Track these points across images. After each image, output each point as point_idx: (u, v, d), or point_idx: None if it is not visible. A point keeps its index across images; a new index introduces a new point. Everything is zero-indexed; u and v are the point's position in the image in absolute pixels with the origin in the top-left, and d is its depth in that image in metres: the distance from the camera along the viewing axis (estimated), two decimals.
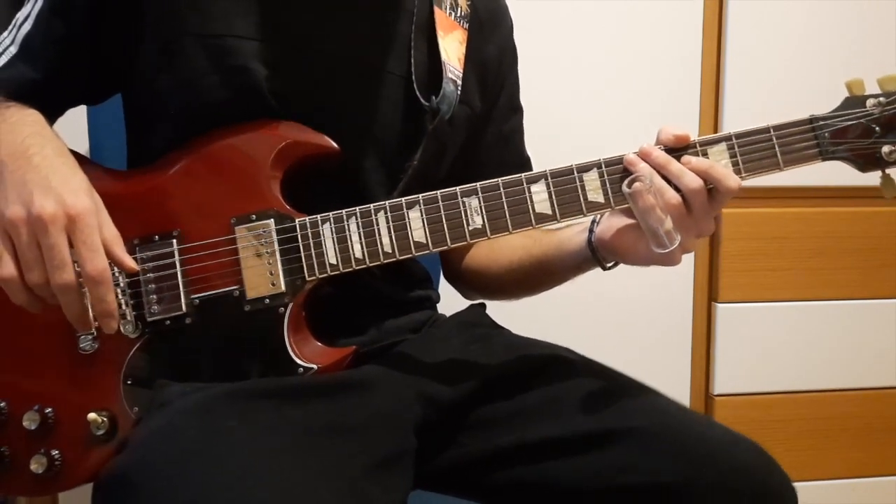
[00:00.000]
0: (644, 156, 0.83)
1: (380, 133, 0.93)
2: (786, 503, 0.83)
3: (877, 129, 0.83)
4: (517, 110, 1.11)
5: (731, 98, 1.64)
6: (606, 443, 0.84)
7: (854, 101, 0.84)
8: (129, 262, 0.80)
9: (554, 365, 0.94)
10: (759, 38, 1.63)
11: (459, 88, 0.97)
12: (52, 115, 0.89)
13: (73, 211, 0.74)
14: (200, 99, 0.88)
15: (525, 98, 1.13)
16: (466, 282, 1.11)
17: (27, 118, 0.83)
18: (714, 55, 1.65)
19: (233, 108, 0.88)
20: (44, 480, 0.83)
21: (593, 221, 0.92)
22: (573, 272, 0.98)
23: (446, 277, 1.14)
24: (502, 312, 1.10)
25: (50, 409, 0.84)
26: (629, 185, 0.82)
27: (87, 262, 0.74)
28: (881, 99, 0.83)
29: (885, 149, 0.83)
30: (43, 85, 0.88)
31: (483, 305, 1.10)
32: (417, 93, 0.93)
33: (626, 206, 0.84)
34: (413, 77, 0.94)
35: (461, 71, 0.98)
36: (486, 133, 1.06)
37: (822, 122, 0.84)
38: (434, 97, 0.94)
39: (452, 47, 0.98)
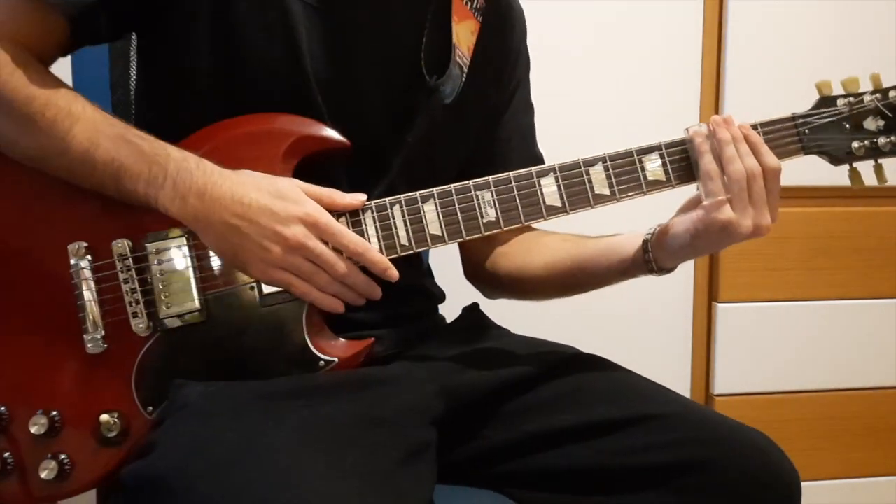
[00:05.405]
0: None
1: (388, 109, 0.94)
2: (793, 484, 0.86)
3: (847, 126, 0.91)
4: (531, 108, 1.13)
5: (732, 97, 1.64)
6: (629, 426, 0.87)
7: (826, 100, 0.92)
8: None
9: (573, 361, 0.97)
10: (760, 36, 1.63)
11: (465, 75, 0.97)
12: (74, 48, 0.88)
13: (309, 219, 0.81)
14: (234, 51, 0.87)
15: None
16: (495, 282, 1.10)
17: (203, 164, 0.83)
18: (714, 54, 1.65)
19: (266, 64, 0.88)
20: (53, 485, 0.81)
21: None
22: (617, 277, 0.99)
23: (467, 277, 1.14)
24: (504, 313, 1.09)
25: (56, 413, 0.82)
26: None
27: (349, 246, 0.83)
28: (850, 99, 0.91)
29: (854, 144, 0.91)
30: (97, 8, 0.85)
31: (477, 307, 1.09)
32: (424, 69, 0.94)
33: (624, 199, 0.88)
34: (422, 55, 0.94)
35: (468, 59, 0.98)
36: (504, 127, 1.07)
37: (802, 120, 0.91)
38: (437, 77, 0.95)
39: (464, 35, 0.98)
